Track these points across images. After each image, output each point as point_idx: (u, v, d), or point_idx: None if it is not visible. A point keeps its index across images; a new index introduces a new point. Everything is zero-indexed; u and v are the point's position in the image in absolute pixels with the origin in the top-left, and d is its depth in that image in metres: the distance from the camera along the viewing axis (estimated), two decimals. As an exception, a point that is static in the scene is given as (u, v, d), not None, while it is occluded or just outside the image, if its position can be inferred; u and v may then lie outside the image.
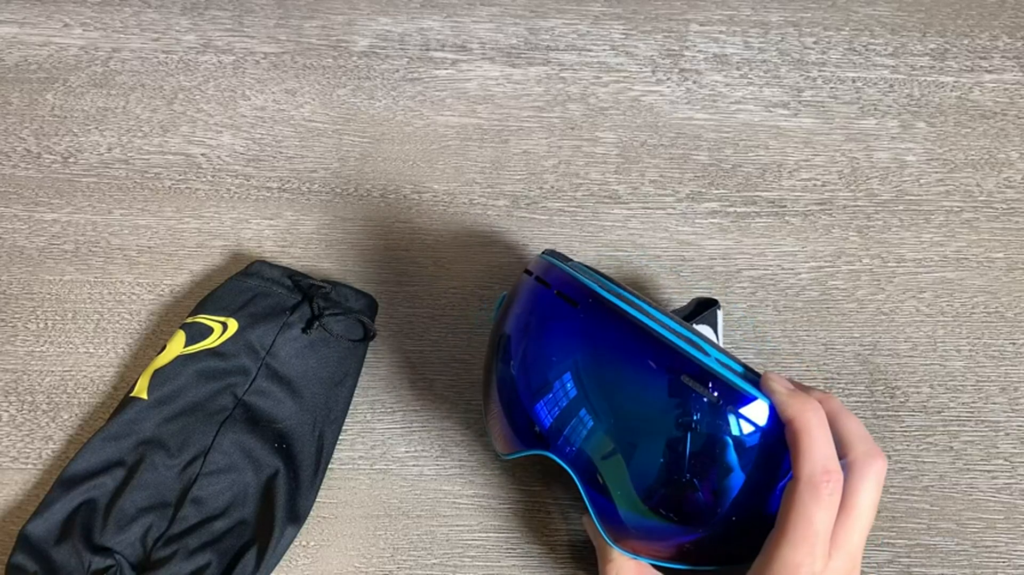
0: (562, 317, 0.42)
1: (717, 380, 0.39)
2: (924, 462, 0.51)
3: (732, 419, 0.39)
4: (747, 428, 0.40)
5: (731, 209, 0.59)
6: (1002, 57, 0.65)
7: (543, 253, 0.47)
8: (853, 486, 0.39)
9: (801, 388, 0.42)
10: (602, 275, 0.49)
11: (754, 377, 0.41)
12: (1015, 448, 0.51)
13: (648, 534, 0.42)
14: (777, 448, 0.40)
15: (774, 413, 0.40)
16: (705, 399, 0.39)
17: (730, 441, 0.40)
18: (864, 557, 0.48)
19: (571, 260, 0.49)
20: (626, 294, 0.42)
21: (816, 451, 0.38)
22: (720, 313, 0.51)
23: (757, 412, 0.40)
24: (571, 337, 0.42)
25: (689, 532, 0.41)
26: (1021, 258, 0.57)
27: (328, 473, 0.50)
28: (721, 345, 0.49)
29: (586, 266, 0.49)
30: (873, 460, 0.39)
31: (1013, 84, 0.64)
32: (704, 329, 0.49)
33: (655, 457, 0.40)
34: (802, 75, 0.64)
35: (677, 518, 0.41)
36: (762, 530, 0.40)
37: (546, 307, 0.43)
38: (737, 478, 0.40)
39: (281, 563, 0.47)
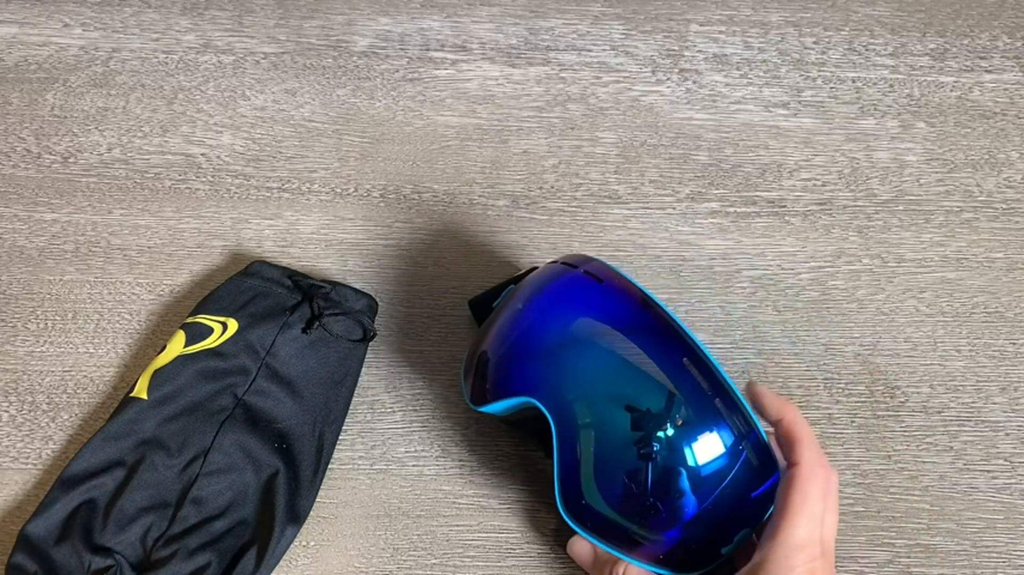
0: (586, 285, 0.44)
1: (715, 376, 0.41)
2: (924, 462, 0.51)
3: (719, 418, 0.41)
4: (727, 439, 0.41)
5: (731, 209, 0.59)
6: (1002, 57, 0.65)
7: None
8: (805, 488, 0.40)
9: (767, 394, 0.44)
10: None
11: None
12: (1015, 448, 0.51)
13: (606, 522, 0.42)
14: (748, 476, 0.41)
15: (755, 437, 0.41)
16: (702, 386, 0.41)
17: (715, 443, 0.41)
18: (864, 557, 0.48)
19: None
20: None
21: (813, 441, 0.41)
22: None
23: (740, 426, 0.41)
24: (591, 299, 0.44)
25: (647, 530, 0.42)
26: (1021, 258, 0.57)
27: (328, 473, 0.50)
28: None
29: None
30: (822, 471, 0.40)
31: (1013, 84, 0.64)
32: None
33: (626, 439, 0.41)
34: (802, 75, 0.64)
35: (635, 514, 0.42)
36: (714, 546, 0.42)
37: (570, 280, 0.45)
38: (705, 491, 0.41)
39: (281, 563, 0.47)
